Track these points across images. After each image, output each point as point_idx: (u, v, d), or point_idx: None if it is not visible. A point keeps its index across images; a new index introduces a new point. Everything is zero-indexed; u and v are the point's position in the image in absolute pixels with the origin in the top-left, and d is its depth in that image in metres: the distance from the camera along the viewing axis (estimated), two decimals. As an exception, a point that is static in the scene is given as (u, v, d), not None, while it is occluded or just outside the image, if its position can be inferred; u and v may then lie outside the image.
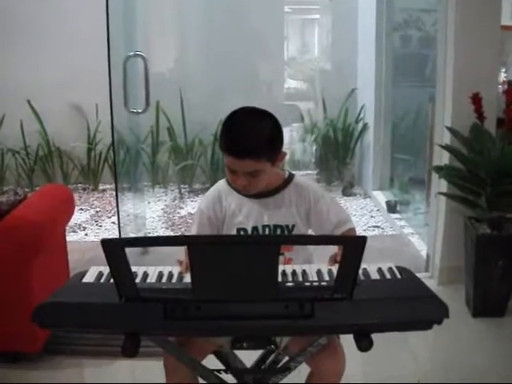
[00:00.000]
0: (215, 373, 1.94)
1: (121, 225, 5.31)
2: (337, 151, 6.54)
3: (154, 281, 1.82)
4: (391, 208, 5.47)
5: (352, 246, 1.50)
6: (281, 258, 2.11)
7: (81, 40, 6.14)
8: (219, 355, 2.14)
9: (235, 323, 1.58)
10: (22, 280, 2.87)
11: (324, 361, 2.00)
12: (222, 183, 2.20)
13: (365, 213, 5.76)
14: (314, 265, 1.95)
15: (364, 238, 1.50)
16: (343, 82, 6.67)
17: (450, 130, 3.49)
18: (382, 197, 5.88)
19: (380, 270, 1.89)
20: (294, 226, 2.15)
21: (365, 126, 6.30)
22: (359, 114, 6.40)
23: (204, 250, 1.47)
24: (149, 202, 6.25)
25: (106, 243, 1.49)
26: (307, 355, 1.93)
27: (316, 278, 1.83)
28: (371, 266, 1.91)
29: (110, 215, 5.91)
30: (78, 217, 5.80)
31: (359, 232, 5.22)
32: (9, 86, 6.14)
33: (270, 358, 2.14)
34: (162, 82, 6.54)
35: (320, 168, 6.75)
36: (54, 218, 3.11)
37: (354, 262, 1.52)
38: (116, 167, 4.95)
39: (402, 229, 5.09)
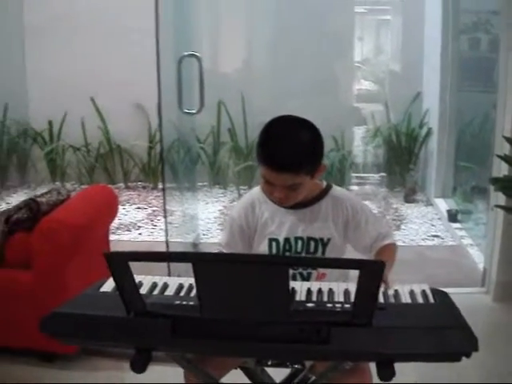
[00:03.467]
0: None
1: (176, 225, 5.32)
2: (400, 156, 6.37)
3: (170, 293, 1.75)
4: (452, 217, 5.28)
5: (368, 271, 1.38)
6: (313, 273, 2.04)
7: (145, 38, 6.16)
8: (247, 371, 2.07)
9: (245, 344, 1.50)
10: (58, 281, 2.86)
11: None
12: (256, 190, 2.10)
13: (425, 221, 5.58)
14: (343, 283, 1.83)
15: (382, 263, 1.38)
16: (409, 85, 6.50)
17: (508, 139, 3.30)
18: (443, 205, 5.69)
19: (412, 293, 1.76)
20: (329, 239, 2.05)
21: (429, 131, 6.12)
22: (423, 119, 6.21)
23: (209, 268, 1.39)
24: (206, 203, 6.22)
25: (109, 257, 1.44)
26: (332, 377, 1.83)
27: (342, 299, 1.72)
28: (405, 287, 1.79)
29: (167, 215, 5.89)
30: (134, 215, 5.84)
31: (418, 241, 5.09)
32: (71, 84, 6.22)
33: (299, 377, 2.05)
34: (225, 82, 6.53)
35: (383, 172, 6.60)
36: (95, 220, 3.09)
37: (371, 288, 1.41)
38: (164, 166, 4.93)
39: (462, 239, 4.91)
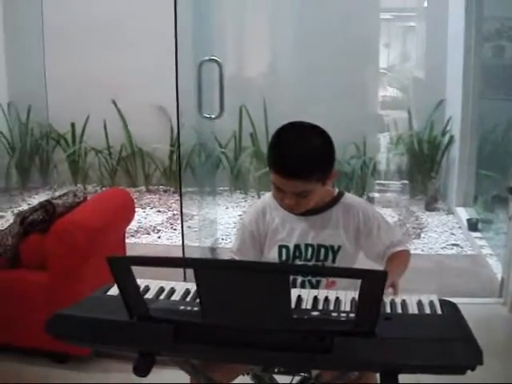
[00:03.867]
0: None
1: (195, 229, 5.33)
2: (422, 164, 6.33)
3: (176, 298, 1.74)
4: (472, 226, 5.23)
5: (370, 281, 1.37)
6: (322, 281, 2.03)
7: (167, 41, 6.18)
8: (255, 378, 2.06)
9: (246, 351, 1.49)
10: (73, 282, 2.88)
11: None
12: (268, 197, 2.09)
13: (445, 230, 5.53)
14: (351, 292, 1.80)
15: (384, 273, 1.37)
16: (432, 93, 6.45)
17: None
18: (464, 213, 5.64)
19: (420, 303, 1.73)
20: (340, 247, 2.03)
21: (451, 139, 6.06)
22: (446, 126, 6.16)
23: (210, 274, 1.39)
24: (227, 208, 6.23)
25: (112, 261, 1.44)
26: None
27: (348, 308, 1.70)
28: (413, 297, 1.77)
29: (186, 219, 5.90)
30: (154, 219, 5.86)
31: (437, 250, 5.04)
32: (94, 87, 6.27)
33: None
34: (247, 86, 6.54)
35: (405, 180, 6.57)
36: (110, 223, 3.11)
37: (374, 298, 1.40)
38: (180, 170, 4.94)
39: (482, 249, 4.85)
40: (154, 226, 5.63)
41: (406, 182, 6.58)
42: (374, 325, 1.45)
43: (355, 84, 6.55)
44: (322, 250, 2.02)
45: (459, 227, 5.54)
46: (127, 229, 5.39)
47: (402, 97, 7.24)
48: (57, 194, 3.35)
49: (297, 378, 2.05)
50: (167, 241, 5.29)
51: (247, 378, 2.07)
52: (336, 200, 2.06)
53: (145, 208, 6.17)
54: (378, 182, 6.37)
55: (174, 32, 5.32)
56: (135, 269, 1.44)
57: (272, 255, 2.06)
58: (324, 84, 6.49)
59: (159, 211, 6.10)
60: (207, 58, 4.26)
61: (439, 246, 5.10)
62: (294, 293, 1.76)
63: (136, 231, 5.46)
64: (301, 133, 1.95)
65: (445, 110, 6.27)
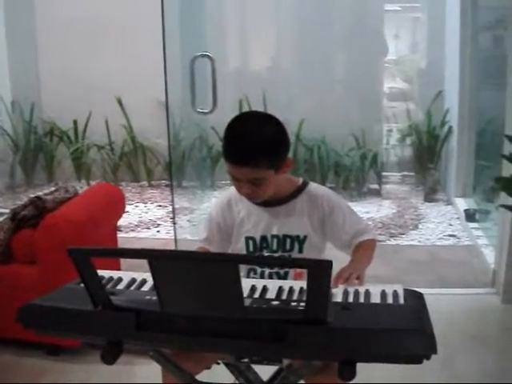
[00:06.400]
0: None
1: (194, 223, 5.38)
2: (422, 155, 6.35)
3: (145, 289, 1.79)
4: (469, 217, 5.24)
5: (316, 271, 1.40)
6: (290, 272, 2.06)
7: (167, 37, 6.23)
8: (231, 368, 2.09)
9: (205, 339, 1.54)
10: (62, 276, 2.91)
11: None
12: (233, 189, 2.10)
13: (443, 220, 5.55)
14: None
15: (329, 262, 1.40)
16: (431, 84, 6.47)
17: (508, 137, 3.27)
18: (463, 204, 5.64)
19: (383, 293, 1.74)
20: (306, 236, 2.06)
21: (449, 130, 6.07)
22: (444, 117, 6.17)
23: (163, 264, 1.44)
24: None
25: (72, 252, 1.49)
26: (301, 376, 1.85)
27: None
28: (377, 287, 1.77)
29: (186, 213, 5.96)
30: (154, 213, 5.92)
31: (433, 241, 5.06)
32: (95, 84, 6.34)
33: (280, 376, 2.07)
34: (248, 79, 6.58)
35: (405, 171, 6.60)
36: (99, 217, 3.16)
37: (321, 287, 1.43)
38: (171, 165, 4.97)
39: (478, 239, 4.85)
40: (154, 221, 5.68)
41: (406, 173, 6.61)
42: (325, 314, 1.48)
43: (355, 76, 6.57)
44: (288, 240, 2.05)
45: (457, 218, 5.55)
46: (127, 223, 5.51)
47: (401, 89, 7.26)
48: (48, 190, 3.39)
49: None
50: (166, 235, 5.33)
51: (225, 369, 2.11)
52: (300, 190, 2.09)
53: (146, 203, 6.23)
54: (377, 173, 6.38)
55: (175, 29, 5.43)
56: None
57: (239, 246, 2.10)
58: (324, 76, 6.52)
59: (160, 206, 6.15)
60: (199, 53, 4.31)
61: (436, 237, 5.12)
62: (260, 283, 1.82)
63: (136, 225, 5.52)
64: (251, 121, 2.00)
65: (444, 101, 6.28)
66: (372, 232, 2.17)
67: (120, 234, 4.69)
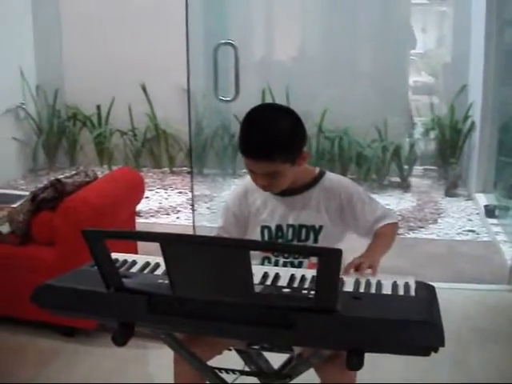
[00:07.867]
0: (217, 372, 1.92)
1: (214, 211, 5.41)
2: (444, 149, 6.31)
3: (158, 273, 1.80)
4: (489, 212, 5.21)
5: (326, 258, 1.42)
6: (305, 262, 2.06)
7: (191, 25, 6.25)
8: (244, 354, 2.11)
9: (215, 324, 1.56)
10: (79, 258, 2.95)
11: (332, 373, 1.91)
12: (249, 179, 2.09)
13: (463, 215, 5.51)
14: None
15: (339, 251, 1.41)
16: (456, 78, 6.43)
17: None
18: (483, 200, 5.61)
19: (395, 285, 1.74)
20: (321, 226, 2.05)
21: (472, 125, 6.02)
22: (467, 112, 6.12)
23: (175, 248, 1.46)
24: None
25: (86, 233, 1.51)
26: (311, 365, 1.87)
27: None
28: (388, 278, 1.77)
29: (206, 200, 5.99)
30: (174, 199, 5.96)
31: (452, 235, 5.04)
32: (119, 70, 6.38)
33: (291, 364, 2.08)
34: (272, 69, 6.58)
35: (427, 165, 6.58)
36: (118, 201, 3.19)
37: (331, 275, 1.44)
38: (191, 152, 4.98)
39: (496, 235, 4.83)
40: (174, 207, 5.72)
41: (427, 167, 6.58)
42: (335, 302, 1.49)
43: (381, 68, 6.54)
44: (304, 230, 2.05)
45: (477, 213, 5.52)
46: (147, 209, 5.55)
47: (426, 82, 7.23)
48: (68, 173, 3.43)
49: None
50: (185, 221, 5.36)
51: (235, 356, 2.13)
52: (317, 180, 2.08)
53: (167, 189, 6.27)
54: (398, 166, 6.36)
55: (198, 15, 5.43)
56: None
57: (255, 235, 2.10)
58: (348, 68, 6.50)
59: (180, 192, 6.18)
60: (223, 41, 4.32)
61: (455, 232, 5.10)
62: (273, 271, 1.82)
63: (156, 211, 5.56)
64: (266, 114, 1.98)
65: (467, 96, 6.23)
66: (393, 215, 2.16)
67: (139, 220, 4.75)
